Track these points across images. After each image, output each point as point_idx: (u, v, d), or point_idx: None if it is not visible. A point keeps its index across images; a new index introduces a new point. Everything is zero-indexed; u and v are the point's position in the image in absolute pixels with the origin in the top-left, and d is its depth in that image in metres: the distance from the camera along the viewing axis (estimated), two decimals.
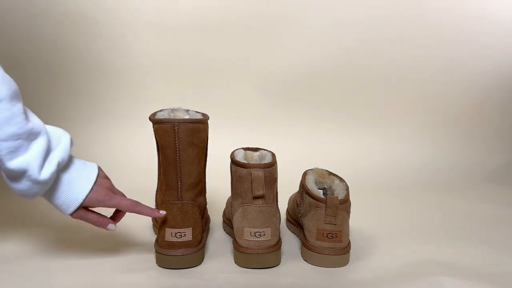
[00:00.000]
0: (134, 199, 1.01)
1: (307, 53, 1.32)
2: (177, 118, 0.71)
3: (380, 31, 1.33)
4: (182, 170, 0.70)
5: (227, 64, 1.30)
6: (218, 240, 0.82)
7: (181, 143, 0.69)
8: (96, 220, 0.68)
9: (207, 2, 1.26)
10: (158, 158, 0.76)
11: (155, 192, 0.81)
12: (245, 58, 1.30)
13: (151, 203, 0.97)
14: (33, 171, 0.59)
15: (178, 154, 0.69)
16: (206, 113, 0.76)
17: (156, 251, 0.70)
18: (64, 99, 1.23)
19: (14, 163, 0.58)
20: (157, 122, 0.69)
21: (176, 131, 0.68)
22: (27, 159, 0.59)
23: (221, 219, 0.91)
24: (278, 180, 0.74)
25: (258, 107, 1.32)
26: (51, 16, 1.19)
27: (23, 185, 0.60)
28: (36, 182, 0.60)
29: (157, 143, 0.73)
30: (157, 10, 1.24)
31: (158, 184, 0.78)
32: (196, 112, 0.76)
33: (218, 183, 0.97)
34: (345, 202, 0.72)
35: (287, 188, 0.93)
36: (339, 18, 1.31)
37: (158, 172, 0.78)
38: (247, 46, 1.30)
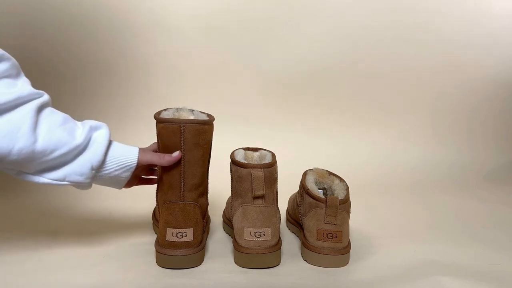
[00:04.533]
0: (136, 198, 1.02)
1: (308, 53, 1.32)
2: (182, 117, 0.71)
3: (381, 31, 1.33)
4: (186, 171, 0.70)
5: (228, 64, 1.30)
6: (218, 240, 0.82)
7: (186, 143, 0.69)
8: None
9: (208, 3, 1.26)
10: None
11: (156, 191, 0.81)
12: (245, 58, 1.30)
13: (152, 203, 0.97)
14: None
15: (183, 154, 0.69)
16: (206, 112, 0.76)
17: (157, 251, 0.70)
18: (66, 99, 1.23)
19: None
20: (163, 122, 0.69)
21: (182, 131, 0.68)
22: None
23: (221, 219, 0.91)
24: (278, 180, 0.74)
25: (258, 107, 1.32)
26: (52, 15, 1.19)
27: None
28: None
29: (158, 142, 0.72)
30: (159, 10, 1.24)
31: (157, 183, 0.77)
32: (201, 112, 0.76)
33: (218, 183, 0.97)
34: (345, 202, 0.72)
35: (287, 188, 0.93)
36: (339, 19, 1.31)
37: (157, 172, 0.77)
38: (247, 46, 1.30)
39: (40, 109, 0.64)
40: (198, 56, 1.28)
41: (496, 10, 1.36)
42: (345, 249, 0.72)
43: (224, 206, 0.96)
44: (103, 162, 0.68)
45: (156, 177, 0.79)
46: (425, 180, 1.24)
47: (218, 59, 1.29)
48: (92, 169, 0.66)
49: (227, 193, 0.93)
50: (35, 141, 0.61)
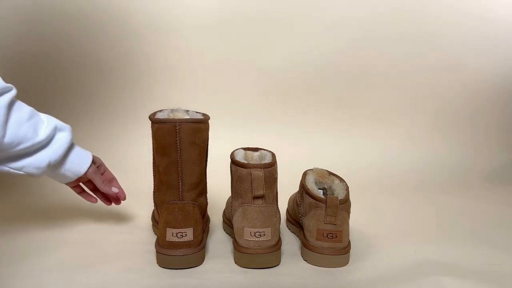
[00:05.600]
0: (136, 198, 1.02)
1: (307, 52, 1.32)
2: (177, 118, 0.71)
3: (380, 30, 1.33)
4: (184, 170, 0.70)
5: (227, 64, 1.30)
6: (218, 240, 0.82)
7: (182, 143, 0.69)
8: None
9: (206, 2, 1.26)
10: (153, 158, 0.75)
11: (153, 192, 0.80)
12: (245, 57, 1.30)
13: (150, 203, 0.97)
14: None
15: (179, 154, 0.69)
16: (206, 113, 0.76)
17: (157, 251, 0.70)
18: (63, 98, 1.23)
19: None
20: (158, 122, 0.69)
21: (177, 131, 0.68)
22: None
23: (221, 219, 0.91)
24: (278, 180, 0.74)
25: (258, 107, 1.32)
26: (50, 14, 1.19)
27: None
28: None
29: (153, 143, 0.72)
30: (157, 10, 1.24)
31: (154, 184, 0.77)
32: (196, 112, 0.76)
33: (218, 183, 0.97)
34: (345, 202, 0.72)
35: (287, 188, 0.93)
36: (338, 18, 1.31)
37: (153, 173, 0.77)
38: (246, 46, 1.29)
39: (11, 104, 0.66)
40: (198, 56, 1.28)
41: (496, 10, 1.36)
42: (345, 249, 0.72)
43: (224, 206, 0.96)
44: (60, 162, 0.73)
45: (95, 200, 0.84)
46: (426, 180, 1.24)
47: (217, 59, 1.29)
48: (49, 165, 0.71)
49: (227, 193, 0.93)
50: (3, 135, 0.64)
